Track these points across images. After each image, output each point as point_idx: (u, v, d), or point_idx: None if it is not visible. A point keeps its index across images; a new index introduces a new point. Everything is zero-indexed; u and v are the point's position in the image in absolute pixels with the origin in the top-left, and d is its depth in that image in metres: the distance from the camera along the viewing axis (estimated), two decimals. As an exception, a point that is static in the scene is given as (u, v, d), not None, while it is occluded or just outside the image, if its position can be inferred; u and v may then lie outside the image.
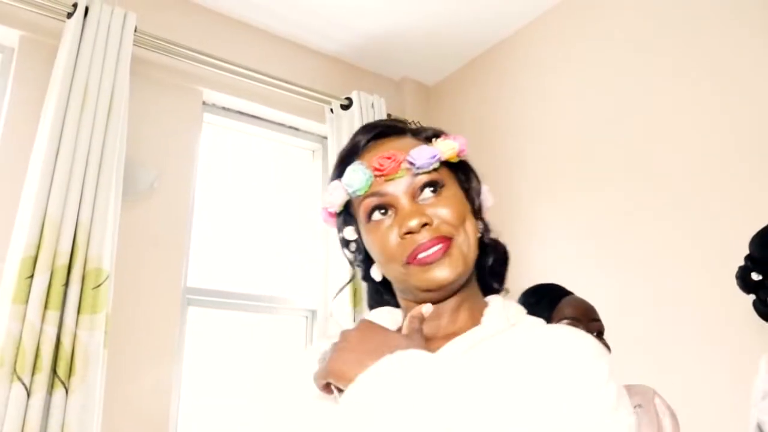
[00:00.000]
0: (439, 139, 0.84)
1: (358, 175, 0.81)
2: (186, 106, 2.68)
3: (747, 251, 1.54)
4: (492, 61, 3.17)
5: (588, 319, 1.51)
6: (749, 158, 2.03)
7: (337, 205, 0.85)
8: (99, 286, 2.00)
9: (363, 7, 2.90)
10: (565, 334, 0.75)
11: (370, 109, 3.00)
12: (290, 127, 3.08)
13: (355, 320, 2.59)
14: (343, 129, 2.93)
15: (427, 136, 0.86)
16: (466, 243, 0.79)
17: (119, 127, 2.22)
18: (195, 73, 2.68)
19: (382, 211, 0.80)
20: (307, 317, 2.87)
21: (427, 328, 0.80)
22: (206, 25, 2.80)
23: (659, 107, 2.35)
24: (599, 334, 1.52)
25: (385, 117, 3.06)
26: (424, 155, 0.80)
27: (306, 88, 2.92)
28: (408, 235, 0.77)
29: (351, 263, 0.92)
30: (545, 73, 2.87)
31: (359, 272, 0.92)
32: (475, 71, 3.27)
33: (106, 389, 2.02)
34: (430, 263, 0.76)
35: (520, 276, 2.72)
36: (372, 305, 0.94)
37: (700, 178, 2.17)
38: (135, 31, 2.38)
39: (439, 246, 0.76)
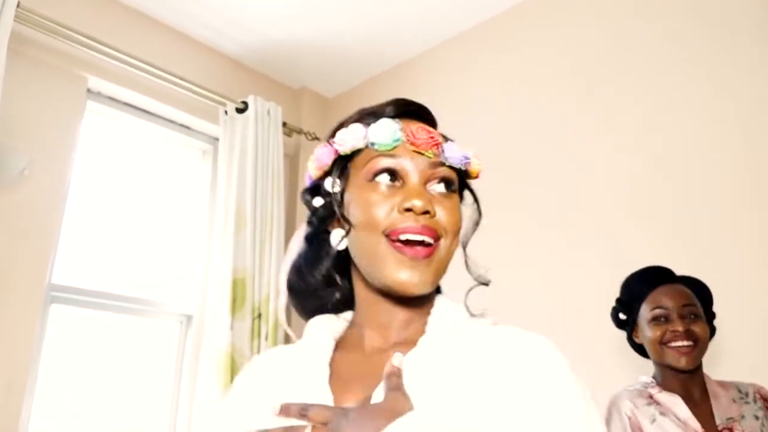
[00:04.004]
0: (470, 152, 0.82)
1: (390, 130, 0.76)
2: (68, 92, 2.53)
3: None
4: (392, 81, 3.24)
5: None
6: (665, 178, 2.16)
7: (348, 147, 0.78)
8: (-50, 277, 1.84)
9: (268, 12, 2.87)
10: (517, 338, 0.73)
11: (266, 115, 2.97)
12: (181, 125, 2.99)
13: (232, 327, 2.54)
14: (236, 132, 2.88)
15: (447, 137, 0.82)
16: (447, 255, 0.77)
17: (-10, 107, 2.06)
18: (81, 58, 2.54)
19: (391, 177, 0.76)
20: (181, 322, 2.78)
21: (377, 339, 0.78)
22: (99, 11, 2.66)
23: (559, 133, 2.49)
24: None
25: (280, 125, 3.04)
26: (458, 153, 0.79)
27: (201, 87, 2.84)
28: (407, 212, 0.73)
29: (309, 221, 0.84)
30: (440, 97, 2.96)
31: (306, 231, 0.85)
32: (375, 88, 3.32)
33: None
34: (412, 257, 0.72)
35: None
36: (310, 285, 0.84)
37: (612, 193, 2.28)
38: (18, 6, 2.22)
39: (427, 240, 0.73)
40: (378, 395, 0.68)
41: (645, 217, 2.14)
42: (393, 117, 0.79)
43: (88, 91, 2.64)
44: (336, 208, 0.78)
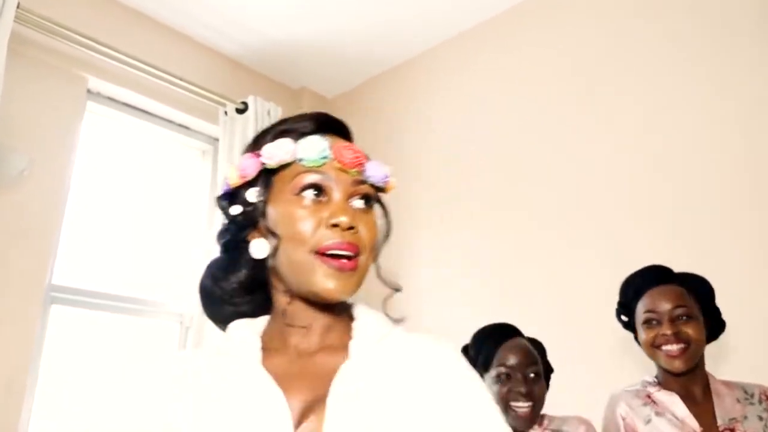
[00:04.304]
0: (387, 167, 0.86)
1: (319, 147, 0.79)
2: (68, 92, 2.53)
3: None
4: (390, 81, 3.24)
5: (524, 365, 1.56)
6: (665, 177, 2.17)
7: (276, 161, 0.80)
8: (-50, 278, 1.84)
9: (268, 12, 2.87)
10: (435, 345, 0.82)
11: (266, 116, 2.97)
12: (181, 126, 2.99)
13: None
14: (236, 132, 2.88)
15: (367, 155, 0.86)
16: (366, 267, 0.81)
17: (-10, 108, 2.06)
18: (81, 59, 2.54)
19: (317, 192, 0.79)
20: (181, 322, 2.77)
21: (301, 343, 0.82)
22: (99, 11, 2.66)
23: (548, 139, 2.50)
24: (537, 376, 1.57)
25: (280, 125, 3.03)
26: (380, 171, 0.83)
27: (201, 87, 2.84)
28: (334, 227, 0.77)
29: (226, 229, 0.86)
30: (441, 98, 2.97)
31: (222, 238, 0.86)
32: (373, 89, 3.32)
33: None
34: (338, 269, 0.76)
35: (402, 297, 2.80)
36: (227, 293, 0.86)
37: (612, 193, 2.29)
38: (18, 7, 2.22)
39: (352, 255, 0.77)
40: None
41: (645, 217, 2.15)
42: (318, 132, 0.81)
43: (88, 91, 2.64)
44: (260, 219, 0.80)
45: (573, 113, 2.44)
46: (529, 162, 2.53)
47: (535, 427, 1.57)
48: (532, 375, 1.56)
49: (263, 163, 0.81)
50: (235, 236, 0.84)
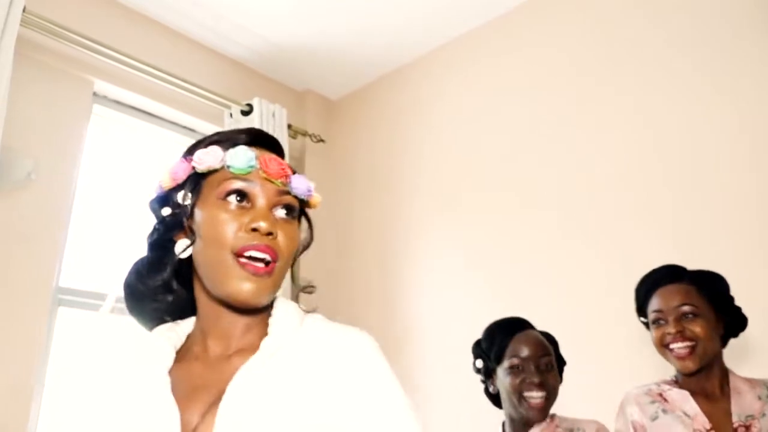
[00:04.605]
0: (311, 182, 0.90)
1: (246, 156, 0.82)
2: (74, 96, 2.54)
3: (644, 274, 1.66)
4: (394, 82, 3.24)
5: (537, 356, 1.57)
6: (669, 176, 2.18)
7: (205, 166, 0.83)
8: (-42, 280, 1.85)
9: (272, 15, 2.88)
10: (345, 337, 0.83)
11: (271, 117, 2.98)
12: (186, 128, 3.00)
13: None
14: (241, 135, 2.88)
15: (294, 169, 0.91)
16: (282, 272, 0.84)
17: (-4, 111, 2.07)
18: (87, 62, 2.55)
19: (240, 198, 0.82)
20: (188, 324, 2.78)
21: (219, 346, 0.84)
22: (105, 15, 2.68)
23: (550, 136, 2.50)
24: (549, 367, 1.57)
25: (285, 127, 3.05)
26: (304, 185, 0.87)
27: (206, 90, 2.85)
28: (253, 232, 0.80)
29: (155, 229, 0.89)
30: (445, 99, 2.97)
31: (150, 238, 0.90)
32: (378, 90, 3.33)
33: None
34: (253, 273, 0.79)
35: (408, 291, 2.81)
36: (148, 293, 0.89)
37: (582, 200, 2.32)
38: (24, 11, 2.23)
39: (268, 258, 0.80)
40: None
41: (649, 214, 2.15)
42: (249, 144, 0.86)
43: (94, 94, 2.65)
44: (184, 220, 0.84)
45: (575, 113, 2.44)
46: (532, 161, 2.53)
47: (546, 422, 1.56)
48: (545, 366, 1.57)
49: (193, 167, 0.84)
50: (162, 236, 0.87)
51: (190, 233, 0.83)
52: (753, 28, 2.05)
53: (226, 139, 0.86)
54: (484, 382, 1.69)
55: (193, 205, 0.84)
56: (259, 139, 0.88)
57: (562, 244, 2.34)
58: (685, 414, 1.50)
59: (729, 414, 1.46)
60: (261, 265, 0.79)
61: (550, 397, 1.55)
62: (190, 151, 0.88)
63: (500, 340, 1.62)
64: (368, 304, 3.01)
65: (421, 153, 2.99)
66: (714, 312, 1.52)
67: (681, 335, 1.48)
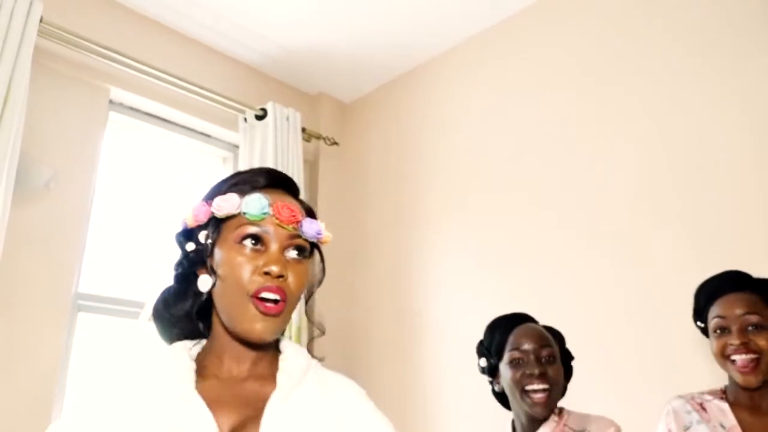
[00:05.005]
0: (322, 223, 0.98)
1: (260, 204, 0.91)
2: (91, 103, 2.57)
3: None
4: (407, 85, 3.25)
5: (538, 347, 1.54)
6: (652, 189, 2.19)
7: (223, 213, 0.92)
8: (-20, 287, 1.88)
9: (285, 21, 2.90)
10: (345, 383, 0.98)
11: (285, 121, 2.99)
12: (201, 133, 3.02)
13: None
14: (256, 139, 2.90)
15: (307, 209, 1.00)
16: (290, 311, 0.92)
17: (15, 120, 2.10)
18: (103, 70, 2.58)
19: (254, 242, 0.91)
20: (205, 328, 2.80)
21: (234, 370, 0.93)
22: (120, 23, 2.71)
23: (562, 137, 2.49)
24: (551, 359, 1.54)
25: (299, 130, 3.06)
26: (314, 229, 0.95)
27: (220, 95, 2.88)
28: (266, 275, 0.89)
29: (180, 262, 0.97)
30: (455, 100, 2.97)
31: (176, 270, 0.98)
32: (391, 92, 3.33)
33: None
34: (265, 313, 0.88)
35: (421, 291, 2.81)
36: (172, 322, 0.98)
37: (596, 200, 2.31)
38: (41, 21, 2.27)
39: (279, 299, 0.88)
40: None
41: (659, 213, 2.14)
42: (264, 188, 0.95)
43: (110, 101, 2.68)
44: (206, 260, 0.93)
45: (584, 113, 2.43)
46: (542, 161, 2.52)
47: (553, 417, 1.53)
48: (546, 358, 1.53)
49: (212, 213, 0.93)
50: (186, 270, 0.96)
51: (211, 272, 0.92)
52: (760, 27, 2.03)
53: (243, 183, 0.95)
54: (490, 382, 1.66)
55: (213, 245, 0.93)
56: (275, 182, 0.97)
57: (575, 243, 2.34)
58: (722, 426, 1.46)
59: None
60: (271, 305, 0.88)
61: (553, 390, 1.51)
62: (213, 193, 0.96)
63: (500, 335, 1.60)
64: (381, 304, 3.02)
65: (433, 154, 2.99)
66: None
67: (745, 347, 1.42)
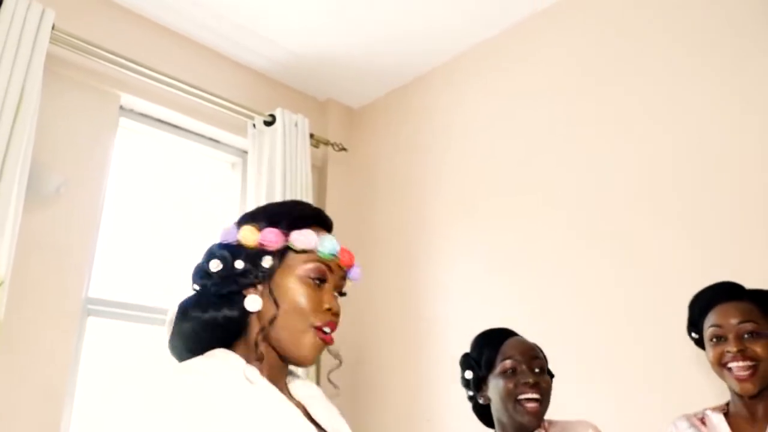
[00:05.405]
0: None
1: (332, 247, 1.01)
2: (102, 110, 2.60)
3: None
4: (415, 90, 3.26)
5: (529, 358, 1.56)
6: (657, 189, 2.19)
7: (300, 247, 0.99)
8: (-9, 292, 1.90)
9: (294, 27, 2.92)
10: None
11: (294, 127, 3.01)
12: (211, 139, 3.04)
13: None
14: (265, 144, 2.92)
15: None
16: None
17: (27, 126, 2.12)
18: (113, 77, 2.61)
19: (319, 281, 1.00)
20: (213, 333, 2.81)
21: (280, 382, 1.00)
22: (130, 30, 2.73)
23: (570, 143, 2.49)
24: (542, 371, 1.56)
25: (307, 136, 3.08)
26: (358, 274, 1.07)
27: (229, 101, 2.90)
28: (327, 311, 0.99)
29: (229, 278, 0.99)
30: (463, 105, 2.98)
31: (224, 286, 0.98)
32: (399, 98, 3.35)
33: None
34: (324, 340, 0.99)
35: (430, 296, 2.81)
36: (215, 332, 0.99)
37: (602, 206, 2.31)
38: (53, 28, 2.30)
39: (330, 331, 1.00)
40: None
41: (670, 216, 2.14)
42: (329, 231, 1.05)
43: (121, 107, 2.70)
44: (269, 284, 0.98)
45: (597, 114, 2.43)
46: (553, 164, 2.53)
47: (541, 430, 1.54)
48: (538, 368, 1.55)
49: (287, 245, 0.99)
50: (230, 287, 0.98)
51: (267, 295, 0.97)
52: (760, 27, 2.04)
53: (309, 218, 1.03)
54: (472, 396, 1.65)
55: (273, 271, 0.98)
56: (328, 223, 1.07)
57: (584, 247, 2.33)
58: None
59: None
60: (329, 336, 0.99)
61: (544, 401, 1.52)
62: (276, 219, 1.01)
63: (490, 349, 1.60)
64: (390, 308, 3.02)
65: (442, 160, 3.00)
66: None
67: (742, 354, 1.42)
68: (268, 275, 0.98)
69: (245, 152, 3.07)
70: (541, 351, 1.64)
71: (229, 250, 1.00)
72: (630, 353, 2.11)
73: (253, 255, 0.98)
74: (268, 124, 2.97)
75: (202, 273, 1.01)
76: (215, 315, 0.98)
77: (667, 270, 2.07)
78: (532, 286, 2.47)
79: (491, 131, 2.82)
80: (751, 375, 1.41)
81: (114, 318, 2.54)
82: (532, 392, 1.50)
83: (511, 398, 1.51)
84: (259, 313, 0.98)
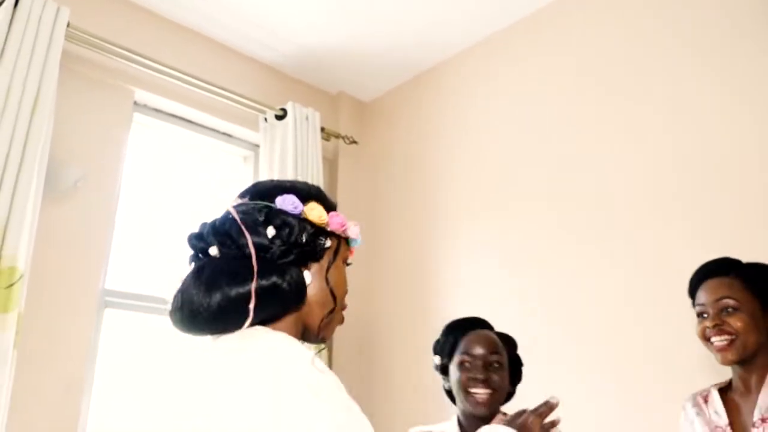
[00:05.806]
0: None
1: (360, 238, 1.10)
2: (116, 106, 2.64)
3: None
4: (427, 83, 3.27)
5: (486, 353, 1.60)
6: (664, 187, 2.20)
7: (353, 236, 1.09)
8: (12, 285, 1.95)
9: (304, 21, 2.94)
10: None
11: (305, 121, 3.04)
12: (223, 133, 3.08)
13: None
14: (276, 138, 2.96)
15: None
16: None
17: (44, 123, 2.17)
18: (127, 73, 2.65)
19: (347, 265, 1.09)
20: (227, 324, 2.86)
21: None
22: (144, 26, 2.77)
23: (582, 136, 2.50)
24: (499, 365, 1.60)
25: (319, 130, 3.11)
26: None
27: (241, 96, 2.93)
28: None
29: (290, 250, 0.95)
30: (475, 99, 2.99)
31: (284, 256, 0.94)
32: (410, 91, 3.36)
33: (15, 389, 1.97)
34: (340, 322, 1.08)
35: (442, 291, 2.83)
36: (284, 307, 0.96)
37: (613, 202, 2.32)
38: (68, 26, 2.34)
39: None
40: None
41: (685, 215, 2.13)
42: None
43: (135, 103, 2.75)
44: (330, 267, 1.01)
45: (610, 112, 2.43)
46: (568, 160, 2.52)
47: (498, 417, 1.59)
48: (494, 364, 1.58)
49: (341, 230, 1.05)
50: (292, 259, 0.95)
51: (323, 274, 1.00)
52: (760, 27, 2.04)
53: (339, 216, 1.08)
54: (444, 378, 1.72)
55: (323, 253, 1.01)
56: None
57: (597, 244, 2.33)
58: (716, 412, 1.51)
59: (754, 407, 1.45)
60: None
61: (496, 394, 1.57)
62: (330, 206, 1.05)
63: (453, 337, 1.67)
64: (401, 304, 3.05)
65: (453, 153, 3.01)
66: (760, 305, 1.49)
67: (719, 329, 1.48)
68: (320, 256, 1.01)
69: (257, 146, 3.10)
70: (509, 340, 1.69)
71: (296, 219, 0.97)
72: (636, 352, 2.11)
73: (314, 233, 0.98)
74: (279, 118, 3.00)
75: (281, 247, 0.94)
76: (278, 281, 0.91)
77: (670, 270, 2.07)
78: (544, 282, 2.46)
79: (504, 125, 2.82)
80: (728, 346, 1.47)
81: (130, 309, 2.59)
82: (482, 387, 1.56)
83: (463, 389, 1.58)
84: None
